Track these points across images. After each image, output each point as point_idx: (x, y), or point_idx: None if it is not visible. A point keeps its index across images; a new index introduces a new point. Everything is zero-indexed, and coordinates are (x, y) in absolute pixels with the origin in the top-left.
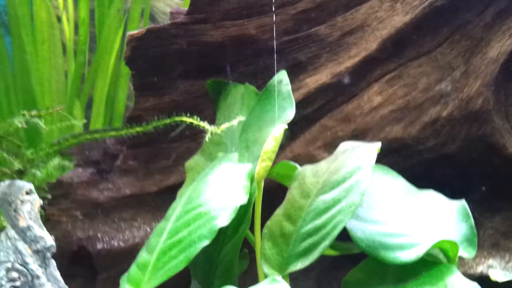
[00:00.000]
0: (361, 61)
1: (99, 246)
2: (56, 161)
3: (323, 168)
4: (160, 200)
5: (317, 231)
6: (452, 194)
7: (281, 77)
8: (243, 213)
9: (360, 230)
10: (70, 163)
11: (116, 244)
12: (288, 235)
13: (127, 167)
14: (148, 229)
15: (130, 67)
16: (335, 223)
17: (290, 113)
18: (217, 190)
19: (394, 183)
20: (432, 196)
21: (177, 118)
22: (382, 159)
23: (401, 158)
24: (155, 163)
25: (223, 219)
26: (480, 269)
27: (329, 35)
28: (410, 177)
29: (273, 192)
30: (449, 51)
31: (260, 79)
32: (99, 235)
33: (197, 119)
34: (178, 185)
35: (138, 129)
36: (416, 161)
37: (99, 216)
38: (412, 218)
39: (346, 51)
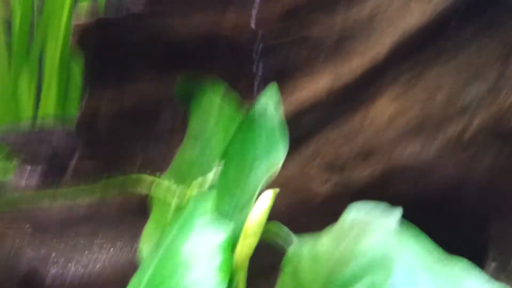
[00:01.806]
0: (368, 70)
1: (53, 270)
2: None
3: (325, 251)
4: (124, 214)
5: None
6: (475, 225)
7: (270, 96)
8: None
9: None
10: (13, 162)
11: (73, 269)
12: None
13: (83, 169)
14: (112, 249)
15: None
16: None
17: (281, 152)
18: (186, 275)
19: (416, 250)
20: (463, 271)
21: None
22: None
23: (416, 182)
24: (117, 168)
25: None
26: None
27: (326, 39)
28: (427, 205)
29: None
30: (479, 53)
31: (239, 89)
32: (53, 255)
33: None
34: (145, 198)
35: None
36: (434, 186)
37: (52, 230)
38: None
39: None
